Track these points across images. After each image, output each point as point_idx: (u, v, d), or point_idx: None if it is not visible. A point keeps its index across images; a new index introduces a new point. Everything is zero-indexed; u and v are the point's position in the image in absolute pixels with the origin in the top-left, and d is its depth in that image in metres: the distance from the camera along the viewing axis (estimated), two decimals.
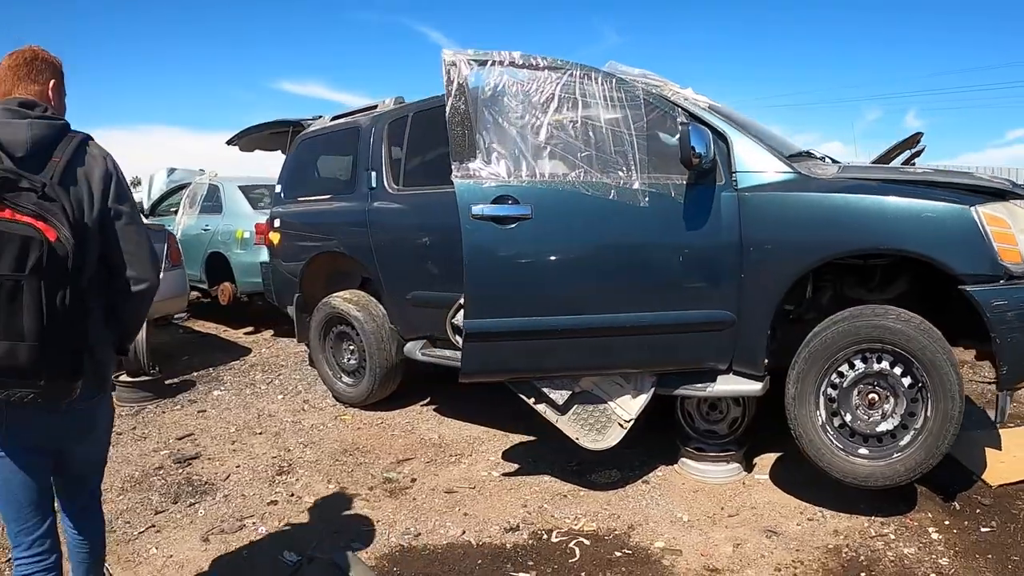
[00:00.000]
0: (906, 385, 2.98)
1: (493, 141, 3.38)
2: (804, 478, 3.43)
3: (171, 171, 11.77)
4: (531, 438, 4.33)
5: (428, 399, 5.17)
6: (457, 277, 4.17)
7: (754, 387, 3.41)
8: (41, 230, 1.61)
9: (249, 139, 6.17)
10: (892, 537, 2.99)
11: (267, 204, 6.87)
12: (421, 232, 4.33)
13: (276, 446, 4.29)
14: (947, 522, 3.11)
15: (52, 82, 1.94)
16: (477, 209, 3.32)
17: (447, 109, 3.34)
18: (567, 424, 3.57)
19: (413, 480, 3.79)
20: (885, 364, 3.00)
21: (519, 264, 3.38)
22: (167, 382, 5.62)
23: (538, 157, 3.37)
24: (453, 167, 3.35)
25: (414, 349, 4.55)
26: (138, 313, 2.02)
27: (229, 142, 6.32)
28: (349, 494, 3.61)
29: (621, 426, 3.57)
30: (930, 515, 3.17)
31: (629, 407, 3.58)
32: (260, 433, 4.53)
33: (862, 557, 2.85)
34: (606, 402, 3.60)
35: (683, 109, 3.41)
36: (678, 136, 3.18)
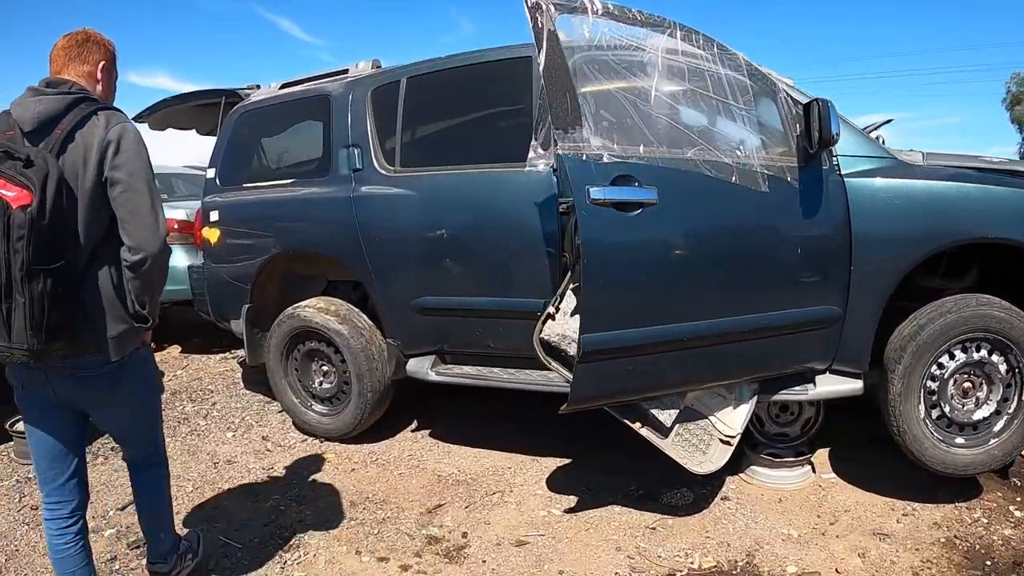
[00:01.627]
0: (1003, 372, 2.87)
1: (600, 106, 2.66)
2: (866, 471, 3.36)
3: None
4: (564, 460, 3.68)
5: (415, 423, 4.29)
6: (485, 278, 3.39)
7: (855, 386, 3.08)
8: (3, 199, 1.65)
9: (163, 114, 4.89)
10: (985, 521, 2.96)
11: (182, 195, 5.60)
12: (434, 223, 3.45)
13: (259, 507, 3.24)
14: (1019, 499, 3.14)
15: (102, 63, 2.03)
16: (597, 192, 2.56)
17: (540, 62, 2.57)
18: (672, 447, 2.89)
19: (464, 535, 2.94)
20: (984, 352, 2.87)
21: (644, 262, 2.67)
22: None
23: (653, 129, 2.65)
24: (556, 136, 2.59)
25: (423, 367, 3.66)
26: (141, 286, 1.95)
27: (137, 119, 5.01)
28: (395, 566, 2.71)
29: (724, 443, 2.98)
30: (999, 494, 3.18)
31: (732, 421, 2.98)
32: (228, 490, 3.45)
33: (976, 546, 2.77)
34: (707, 417, 2.96)
35: (781, 82, 2.93)
36: (789, 111, 2.85)
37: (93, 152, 1.83)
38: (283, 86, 4.24)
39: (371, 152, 3.67)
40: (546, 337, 2.86)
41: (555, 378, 3.32)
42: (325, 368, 4.01)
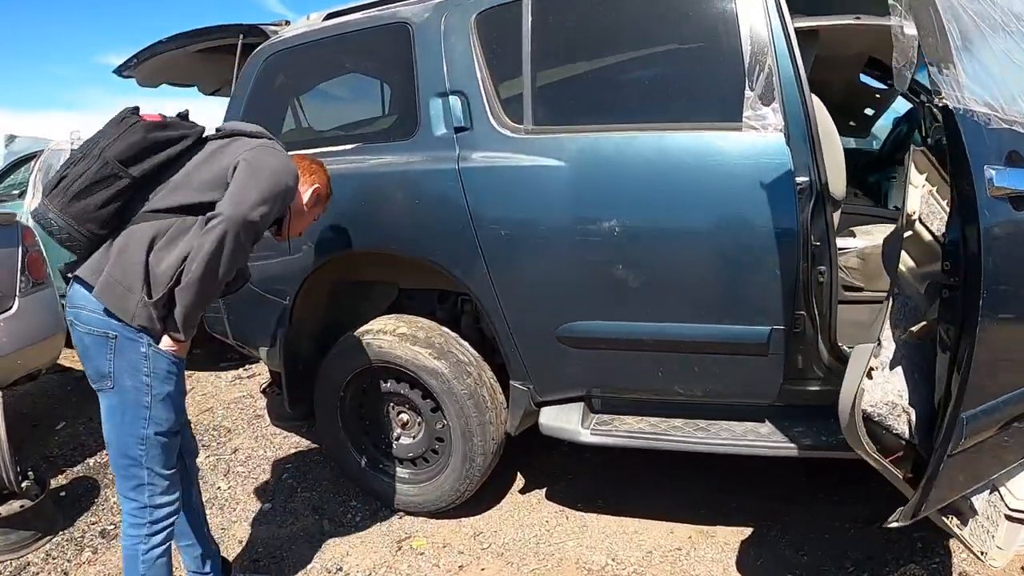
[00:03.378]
0: None
1: (973, 46, 1.47)
2: None
3: (10, 139, 8.41)
4: (745, 530, 2.62)
5: (520, 480, 3.09)
6: (678, 294, 2.18)
7: None
8: None
9: (156, 64, 3.52)
10: None
11: None
12: (596, 211, 2.20)
13: None
14: None
15: None
16: (999, 177, 1.47)
17: None
18: (973, 534, 1.75)
19: None
20: None
21: None
22: (61, 493, 3.03)
23: None
24: (933, 75, 1.37)
25: (569, 423, 2.43)
26: None
27: (121, 71, 3.64)
28: None
29: (1012, 520, 1.82)
30: None
31: (1019, 491, 1.83)
32: None
33: None
34: (996, 488, 1.82)
35: None
36: None
37: None
38: (328, 16, 2.92)
39: (482, 102, 2.39)
40: (868, 408, 1.63)
41: (780, 439, 2.16)
42: (405, 417, 2.76)
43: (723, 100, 2.15)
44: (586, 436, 2.39)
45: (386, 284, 2.88)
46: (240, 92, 3.03)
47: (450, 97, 2.43)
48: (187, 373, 4.77)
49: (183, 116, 1.98)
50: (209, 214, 1.78)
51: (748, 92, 2.08)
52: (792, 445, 2.24)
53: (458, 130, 2.41)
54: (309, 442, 3.55)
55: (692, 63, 2.28)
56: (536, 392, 2.48)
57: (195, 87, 4.08)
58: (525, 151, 2.31)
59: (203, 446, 3.59)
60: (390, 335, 2.58)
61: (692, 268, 2.17)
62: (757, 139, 2.08)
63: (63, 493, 3.19)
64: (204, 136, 1.97)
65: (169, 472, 1.93)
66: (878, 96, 4.01)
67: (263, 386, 4.23)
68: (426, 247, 2.45)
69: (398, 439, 2.79)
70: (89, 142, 1.84)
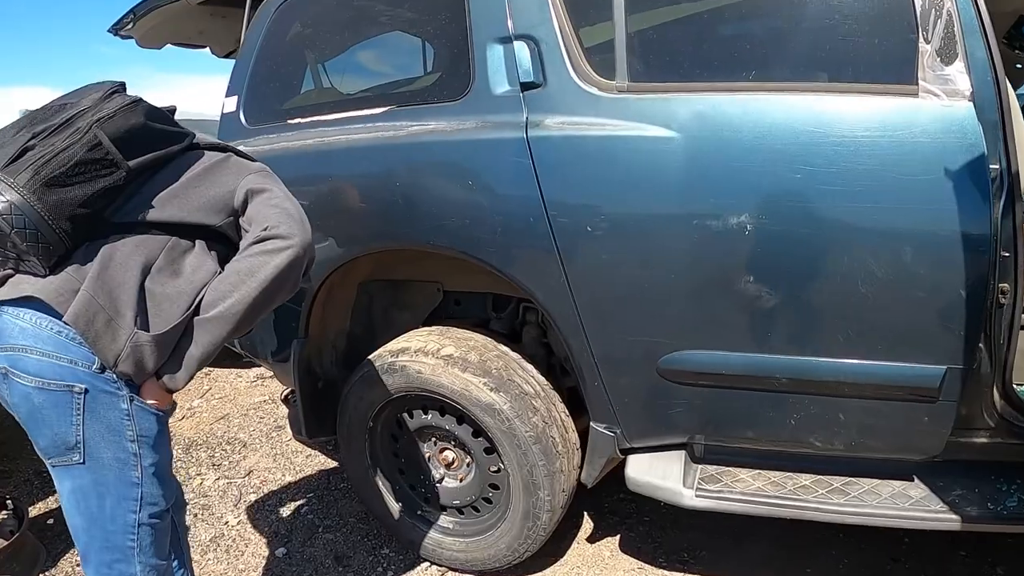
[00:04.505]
0: None
1: None
2: None
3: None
4: None
5: (588, 523, 2.47)
6: (830, 318, 1.51)
7: None
8: None
9: (156, 21, 2.91)
10: None
11: None
12: (719, 201, 1.55)
13: None
14: None
15: None
16: None
17: None
18: None
19: None
20: None
21: None
22: (49, 520, 2.51)
23: None
24: None
25: (667, 480, 1.79)
26: None
27: (117, 30, 3.06)
28: None
29: None
30: None
31: None
32: None
33: None
34: None
35: None
36: None
37: None
38: None
39: (559, 50, 1.73)
40: None
41: (938, 507, 1.57)
42: (450, 455, 2.16)
43: (891, 55, 1.50)
44: (691, 499, 1.76)
45: (427, 285, 2.26)
46: (247, 51, 2.42)
47: (515, 43, 1.78)
48: (204, 371, 4.27)
49: (171, 112, 1.49)
50: (266, 233, 1.31)
51: (923, 45, 1.47)
52: (954, 516, 1.64)
53: (526, 87, 1.76)
54: (335, 464, 2.99)
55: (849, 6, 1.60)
56: (624, 437, 1.85)
57: (206, 48, 3.49)
58: (618, 116, 1.65)
59: (214, 466, 3.05)
60: (432, 357, 1.96)
61: (850, 285, 1.52)
62: (938, 109, 1.44)
63: (51, 520, 2.67)
64: (194, 142, 1.47)
65: (164, 562, 1.41)
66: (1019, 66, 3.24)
67: (283, 393, 3.67)
68: (479, 243, 1.80)
69: (441, 481, 2.19)
70: (53, 108, 1.31)
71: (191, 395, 3.88)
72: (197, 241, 1.38)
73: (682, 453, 1.85)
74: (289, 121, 2.27)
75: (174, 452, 3.13)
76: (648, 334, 1.68)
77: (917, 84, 1.47)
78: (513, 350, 2.03)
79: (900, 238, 1.48)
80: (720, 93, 1.60)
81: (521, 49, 1.76)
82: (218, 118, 2.46)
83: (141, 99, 1.36)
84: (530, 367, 1.99)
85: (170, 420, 3.47)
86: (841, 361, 1.58)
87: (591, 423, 1.88)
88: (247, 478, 2.96)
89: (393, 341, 2.12)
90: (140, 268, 1.28)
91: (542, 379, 1.98)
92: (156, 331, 1.25)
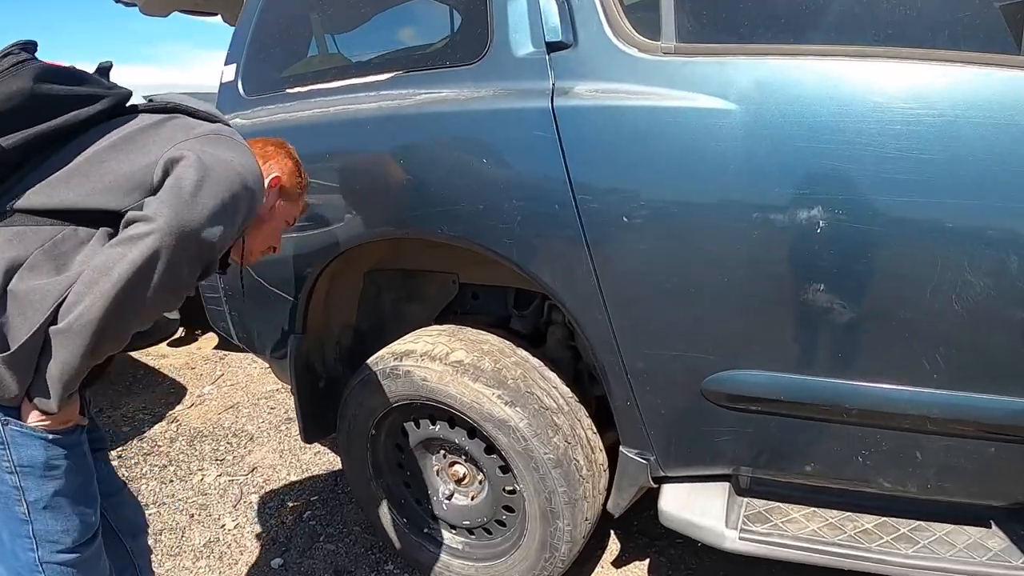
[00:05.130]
0: None
1: None
2: None
3: None
4: None
5: (615, 544, 2.20)
6: (916, 339, 1.16)
7: None
8: None
9: None
10: None
11: None
12: (791, 192, 1.24)
13: None
14: None
15: None
16: None
17: None
18: None
19: None
20: None
21: None
22: None
23: None
24: None
25: (708, 515, 1.50)
26: None
27: None
28: None
29: None
30: None
31: None
32: None
33: None
34: None
35: None
36: None
37: None
38: None
39: (592, 3, 1.43)
40: None
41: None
42: (460, 470, 1.90)
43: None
44: (734, 541, 1.47)
45: (441, 276, 1.99)
46: (248, 13, 2.16)
47: None
48: (218, 354, 4.07)
49: (103, 72, 1.18)
50: (132, 215, 1.01)
51: None
52: None
53: (553, 47, 1.46)
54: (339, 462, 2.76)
55: None
56: (659, 465, 1.56)
57: (217, 16, 3.24)
58: (663, 83, 1.34)
59: (217, 460, 2.85)
60: (440, 363, 1.69)
61: (944, 299, 1.20)
62: None
63: None
64: (128, 105, 1.17)
65: None
66: None
67: None
68: (495, 233, 1.52)
69: (450, 498, 1.94)
70: None
71: (203, 381, 3.69)
72: (101, 229, 1.08)
73: (725, 485, 1.56)
74: (288, 90, 2.01)
75: (181, 445, 2.97)
76: (693, 348, 1.39)
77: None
78: (535, 355, 1.76)
79: (1006, 244, 1.16)
80: (790, 57, 1.29)
81: (548, 3, 1.46)
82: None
83: (33, 58, 1.07)
84: (553, 376, 1.71)
85: (180, 408, 3.28)
86: (925, 391, 1.28)
87: (621, 447, 1.59)
88: (250, 475, 2.75)
89: (397, 341, 1.86)
90: (3, 270, 1.01)
91: (566, 390, 1.70)
92: (11, 346, 0.99)
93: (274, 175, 1.34)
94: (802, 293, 1.28)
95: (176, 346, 4.21)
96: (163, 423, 3.20)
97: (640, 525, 2.26)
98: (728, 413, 1.42)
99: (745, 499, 1.56)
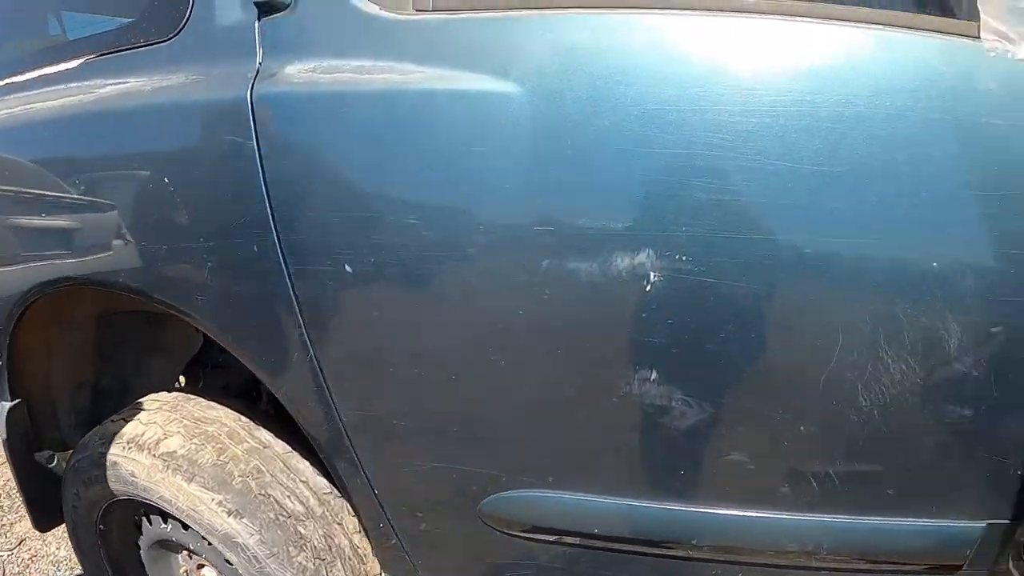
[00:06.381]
0: None
1: None
2: None
3: None
4: None
5: None
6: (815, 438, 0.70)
7: None
8: None
9: None
10: None
11: None
12: (600, 213, 0.81)
13: None
14: None
15: None
16: None
17: None
18: None
19: None
20: None
21: None
22: None
23: None
24: None
25: None
26: None
27: None
28: None
29: None
30: None
31: None
32: None
33: None
34: None
35: None
36: None
37: None
38: None
39: None
40: None
41: None
42: (211, 574, 1.43)
43: None
44: None
45: (183, 321, 1.49)
46: None
47: None
48: None
49: None
50: None
51: None
52: None
53: (265, 9, 0.99)
54: None
55: None
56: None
57: None
58: (417, 56, 0.89)
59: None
60: (148, 454, 1.21)
61: (836, 389, 0.81)
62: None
63: None
64: None
65: None
66: None
67: None
68: (179, 286, 1.05)
69: None
70: None
71: None
72: None
73: None
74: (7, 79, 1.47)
75: None
76: (459, 461, 0.95)
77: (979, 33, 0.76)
78: (282, 434, 1.29)
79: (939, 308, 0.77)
80: (612, 11, 0.85)
81: None
82: None
83: None
84: (304, 466, 1.25)
85: None
86: (808, 518, 0.89)
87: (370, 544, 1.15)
88: (15, 550, 2.19)
89: (115, 415, 1.37)
90: None
91: (322, 483, 1.24)
92: None
93: None
94: (619, 373, 0.86)
95: None
96: None
97: None
98: (522, 543, 0.99)
99: None
